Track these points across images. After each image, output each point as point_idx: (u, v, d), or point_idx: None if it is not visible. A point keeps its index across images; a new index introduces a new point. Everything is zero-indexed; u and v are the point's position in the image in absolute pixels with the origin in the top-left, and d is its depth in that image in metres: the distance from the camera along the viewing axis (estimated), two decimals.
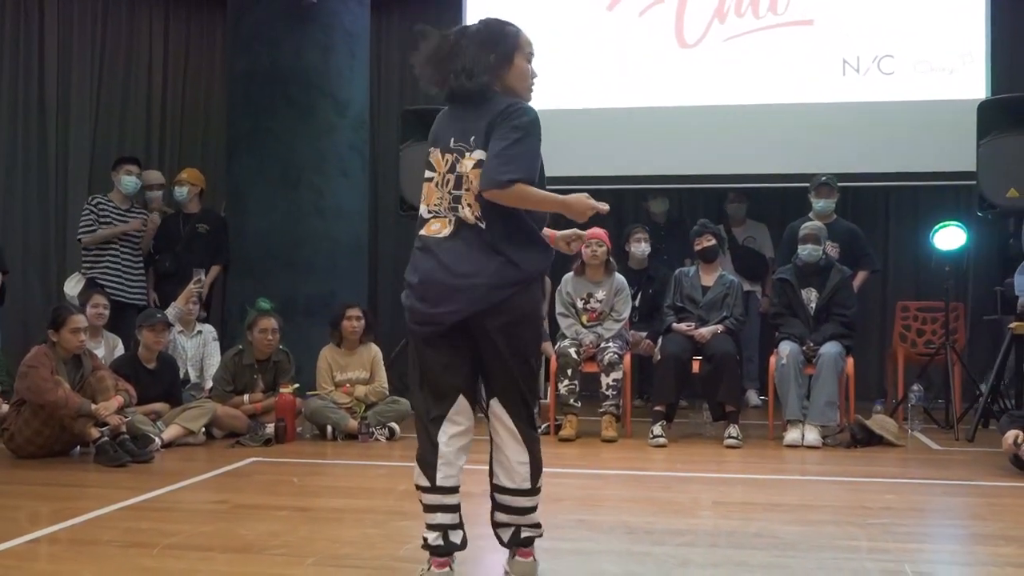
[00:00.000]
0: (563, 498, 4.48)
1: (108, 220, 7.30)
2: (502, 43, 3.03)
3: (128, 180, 7.39)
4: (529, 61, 3.10)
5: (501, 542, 3.13)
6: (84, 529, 3.77)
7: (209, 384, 6.74)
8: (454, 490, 3.01)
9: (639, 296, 7.13)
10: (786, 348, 6.28)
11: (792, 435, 6.10)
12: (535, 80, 3.13)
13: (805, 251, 6.46)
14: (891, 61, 8.12)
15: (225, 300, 7.89)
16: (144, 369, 6.17)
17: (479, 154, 2.94)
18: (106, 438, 5.27)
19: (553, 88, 8.51)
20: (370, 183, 8.83)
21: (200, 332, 7.05)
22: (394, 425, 6.37)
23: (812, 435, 6.06)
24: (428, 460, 2.99)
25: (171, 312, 6.77)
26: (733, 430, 6.11)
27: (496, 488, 3.07)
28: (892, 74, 8.11)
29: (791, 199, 8.40)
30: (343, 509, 4.19)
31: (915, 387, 6.78)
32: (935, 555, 3.63)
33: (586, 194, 3.10)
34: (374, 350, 6.66)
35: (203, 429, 6.08)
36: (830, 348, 6.20)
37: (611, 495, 4.73)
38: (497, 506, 3.08)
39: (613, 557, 3.42)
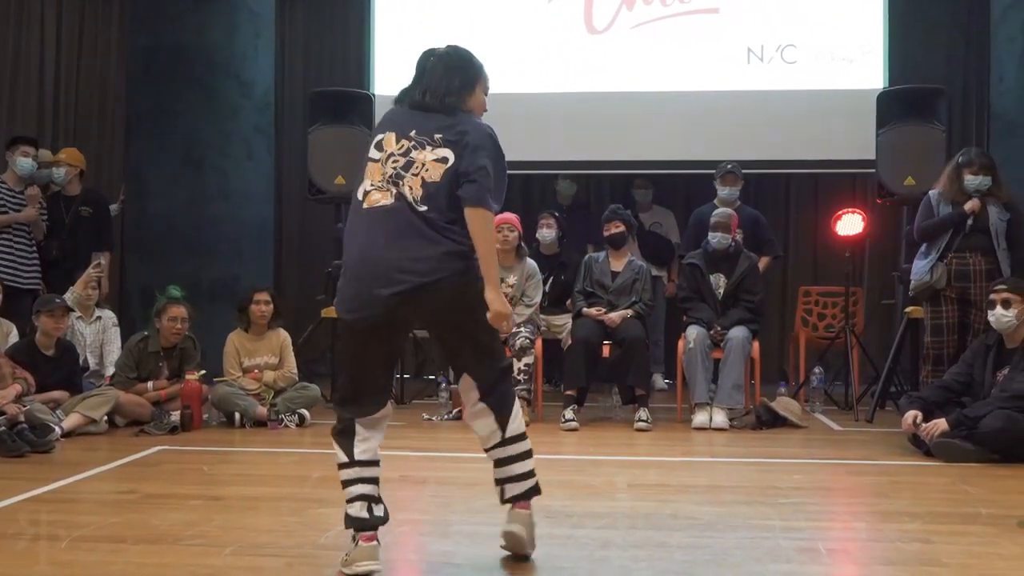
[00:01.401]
0: (478, 483, 4.45)
1: (3, 205, 7.00)
2: (468, 70, 3.20)
3: (24, 162, 7.07)
4: (485, 94, 3.26)
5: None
6: None
7: (109, 371, 6.54)
8: (373, 463, 3.06)
9: (550, 281, 7.16)
10: (693, 332, 6.38)
11: (700, 418, 6.20)
12: (485, 113, 3.28)
13: (715, 238, 6.56)
14: (793, 50, 8.29)
15: (124, 284, 7.65)
16: (42, 356, 5.95)
17: (444, 152, 3.00)
18: (3, 428, 5.06)
19: None
20: (275, 165, 8.67)
21: (99, 318, 6.82)
22: (304, 411, 6.28)
23: (719, 417, 6.17)
24: (346, 435, 3.04)
25: (69, 297, 6.53)
26: (643, 413, 6.18)
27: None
28: (795, 63, 8.28)
29: (696, 185, 8.53)
30: (256, 497, 4.12)
31: (816, 370, 6.97)
32: (846, 532, 3.75)
33: (507, 314, 3.13)
34: (283, 335, 6.55)
35: (105, 417, 5.88)
36: (737, 332, 6.32)
37: None
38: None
39: None
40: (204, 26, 7.71)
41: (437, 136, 3.03)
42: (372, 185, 3.03)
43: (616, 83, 8.39)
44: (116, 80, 8.95)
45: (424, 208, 2.96)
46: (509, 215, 6.71)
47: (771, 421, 6.24)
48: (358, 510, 3.02)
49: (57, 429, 5.44)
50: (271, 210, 8.37)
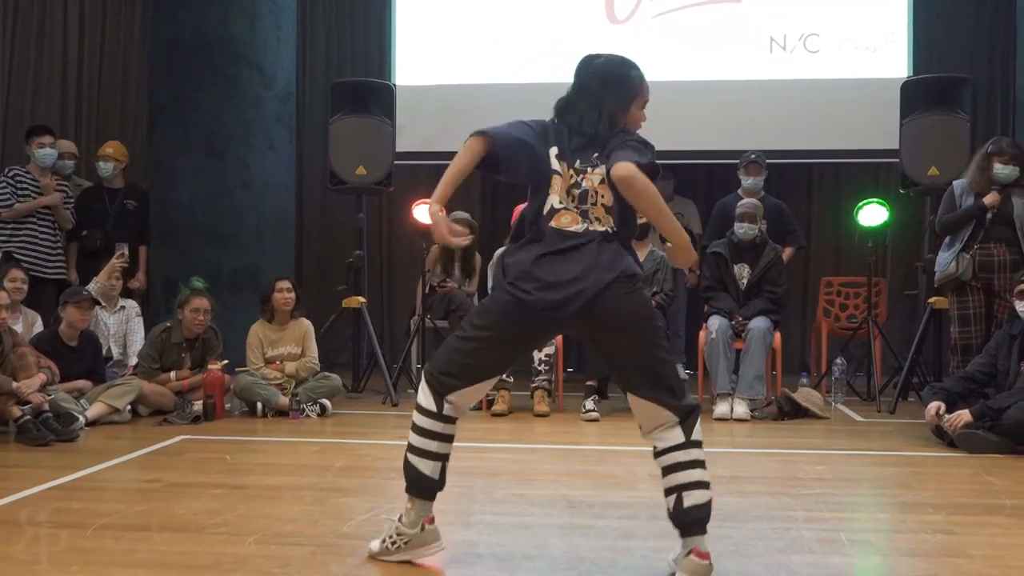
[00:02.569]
0: (500, 472, 4.49)
1: (27, 193, 7.06)
2: (623, 90, 3.00)
3: (43, 153, 7.13)
4: (643, 107, 3.05)
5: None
6: (12, 510, 3.65)
7: (133, 361, 6.59)
8: (454, 421, 2.99)
9: None
10: (715, 322, 6.36)
11: (721, 408, 6.19)
12: (642, 124, 3.08)
13: (742, 229, 6.53)
14: (817, 40, 8.25)
15: (149, 274, 7.70)
16: (66, 346, 6.00)
17: (602, 171, 2.88)
18: (28, 416, 5.10)
19: (483, 62, 8.52)
20: (297, 156, 8.70)
21: (123, 308, 6.88)
22: (325, 401, 6.30)
23: (741, 408, 6.16)
24: (442, 388, 2.95)
25: (92, 287, 6.58)
26: None
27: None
28: (817, 52, 8.24)
29: (718, 175, 8.50)
30: (279, 487, 4.13)
31: (838, 360, 6.93)
32: (868, 523, 3.73)
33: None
34: (306, 324, 6.57)
35: (129, 407, 5.93)
36: (758, 323, 6.30)
37: (548, 469, 4.74)
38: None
39: (556, 531, 3.43)
40: (226, 17, 7.72)
41: (595, 156, 2.91)
42: (560, 203, 2.91)
43: None
44: (138, 71, 9.01)
45: (613, 230, 2.89)
46: None
47: (793, 412, 6.22)
48: (431, 469, 2.94)
49: (81, 418, 5.48)
50: (292, 200, 8.40)
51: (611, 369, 3.05)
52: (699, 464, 2.86)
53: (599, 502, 3.86)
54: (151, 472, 4.50)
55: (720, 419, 6.13)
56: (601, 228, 2.88)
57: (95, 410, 5.72)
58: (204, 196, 7.67)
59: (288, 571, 2.91)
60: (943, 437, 5.19)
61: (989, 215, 5.88)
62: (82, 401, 5.77)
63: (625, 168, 2.76)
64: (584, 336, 3.03)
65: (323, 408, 6.27)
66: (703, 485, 2.85)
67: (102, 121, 9.24)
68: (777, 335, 6.44)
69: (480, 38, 8.56)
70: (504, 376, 6.37)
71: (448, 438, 2.99)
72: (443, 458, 2.99)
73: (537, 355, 6.38)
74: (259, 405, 6.22)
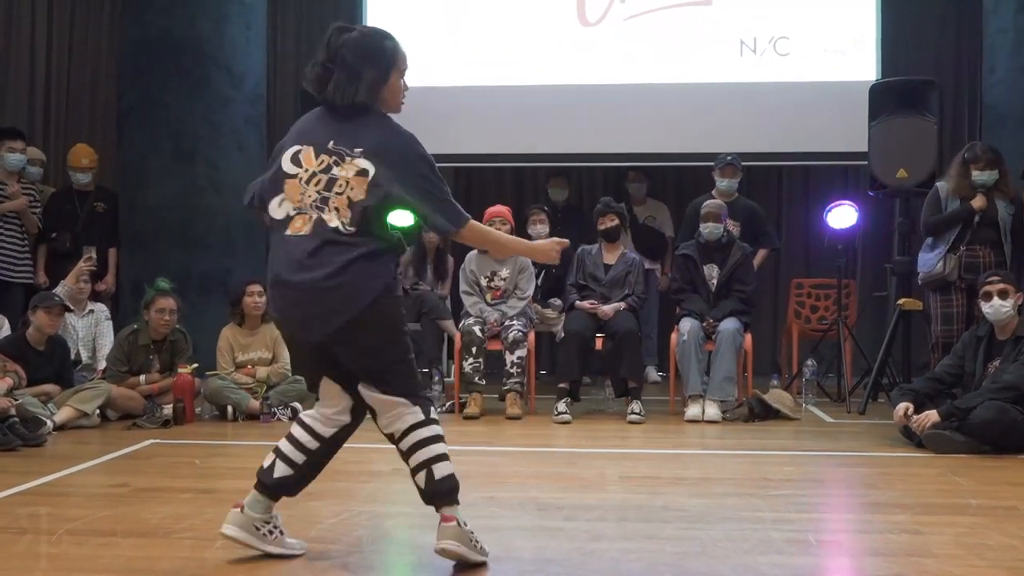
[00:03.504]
0: (470, 475, 4.43)
1: None
2: (380, 60, 2.99)
3: (12, 157, 7.05)
4: (403, 76, 3.07)
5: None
6: None
7: (102, 365, 6.54)
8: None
9: (542, 275, 7.16)
10: (687, 324, 6.38)
11: (693, 410, 6.22)
12: (406, 94, 3.10)
13: (707, 228, 6.56)
14: (786, 43, 8.30)
15: (118, 277, 7.64)
16: (33, 350, 5.94)
17: (363, 163, 2.88)
18: None
19: (454, 64, 8.50)
20: (267, 158, 8.65)
21: (92, 311, 6.83)
22: (297, 405, 6.26)
23: (712, 410, 6.18)
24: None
25: (60, 291, 6.53)
26: (636, 406, 6.19)
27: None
28: (787, 55, 8.29)
29: (690, 178, 8.53)
30: (249, 491, 4.09)
31: (809, 362, 6.97)
32: (836, 524, 3.75)
33: (554, 239, 3.21)
34: (276, 329, 6.53)
35: (97, 411, 5.89)
36: (729, 324, 6.32)
37: (518, 471, 4.74)
38: None
39: (525, 533, 3.43)
40: (194, 17, 7.68)
41: (356, 149, 2.90)
42: (295, 209, 2.92)
43: (609, 75, 8.40)
44: (107, 72, 8.93)
45: (350, 232, 2.87)
46: (501, 208, 6.72)
47: (763, 413, 6.25)
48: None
49: (49, 423, 5.44)
50: None
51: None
52: (441, 438, 2.98)
53: (568, 504, 3.87)
54: (119, 476, 4.47)
55: (692, 421, 6.15)
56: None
57: (63, 414, 5.68)
58: (172, 198, 7.63)
59: (260, 574, 2.90)
60: (911, 438, 5.23)
61: (977, 218, 6.00)
62: (50, 405, 5.72)
63: (447, 234, 2.98)
64: None
65: (294, 411, 6.23)
66: (446, 458, 2.98)
67: (70, 122, 9.13)
68: (748, 336, 6.47)
69: (451, 41, 8.54)
70: (476, 379, 6.38)
71: None
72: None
73: (509, 357, 6.38)
74: (229, 409, 6.19)
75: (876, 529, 3.53)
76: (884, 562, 3.09)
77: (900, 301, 6.70)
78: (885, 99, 6.97)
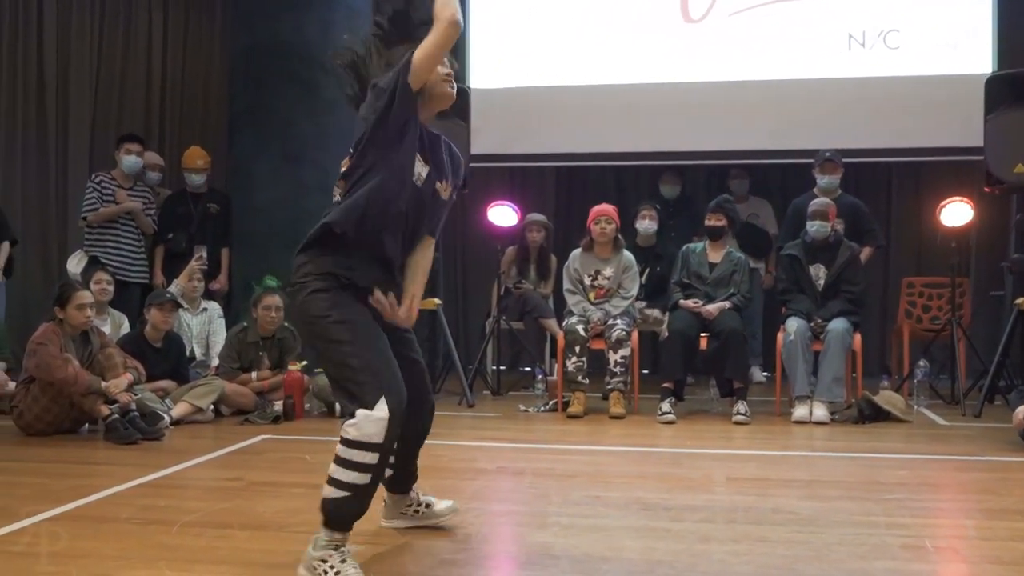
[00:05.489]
0: (576, 474, 4.49)
1: (112, 199, 7.26)
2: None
3: (130, 160, 7.35)
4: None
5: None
6: (101, 506, 3.76)
7: (215, 361, 6.73)
8: None
9: (646, 273, 7.12)
10: (794, 324, 6.27)
11: (800, 411, 6.11)
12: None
13: (814, 227, 6.43)
14: (897, 36, 8.09)
15: (231, 277, 7.87)
16: (150, 347, 6.15)
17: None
18: (116, 415, 5.25)
19: (560, 64, 8.51)
20: None
21: (205, 309, 7.03)
22: None
23: (820, 411, 6.07)
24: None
25: (173, 290, 6.75)
26: (742, 406, 6.11)
27: None
28: (897, 48, 8.08)
29: (794, 175, 8.38)
30: None
31: (921, 363, 6.79)
32: (952, 529, 3.64)
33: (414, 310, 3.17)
34: None
35: (211, 407, 6.06)
36: (837, 324, 6.20)
37: (623, 471, 4.71)
38: None
39: (632, 533, 3.41)
40: (302, 23, 7.85)
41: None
42: None
43: (713, 72, 8.31)
44: (219, 79, 9.20)
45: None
46: (607, 207, 6.71)
47: (873, 415, 6.11)
48: None
49: (166, 417, 5.61)
50: None
51: None
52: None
53: (675, 505, 3.83)
54: (233, 471, 4.59)
55: (799, 422, 6.05)
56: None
57: (179, 409, 5.86)
58: (282, 200, 7.81)
59: (370, 568, 2.95)
60: None
61: None
62: (166, 401, 5.91)
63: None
64: None
65: None
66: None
67: (184, 127, 9.45)
68: (857, 337, 6.33)
69: (553, 40, 8.56)
70: (579, 378, 6.38)
71: None
72: None
73: (613, 356, 6.36)
74: (337, 406, 6.30)
75: (996, 536, 3.42)
76: (1005, 570, 2.99)
77: (1018, 300, 6.46)
78: (1002, 91, 6.73)
